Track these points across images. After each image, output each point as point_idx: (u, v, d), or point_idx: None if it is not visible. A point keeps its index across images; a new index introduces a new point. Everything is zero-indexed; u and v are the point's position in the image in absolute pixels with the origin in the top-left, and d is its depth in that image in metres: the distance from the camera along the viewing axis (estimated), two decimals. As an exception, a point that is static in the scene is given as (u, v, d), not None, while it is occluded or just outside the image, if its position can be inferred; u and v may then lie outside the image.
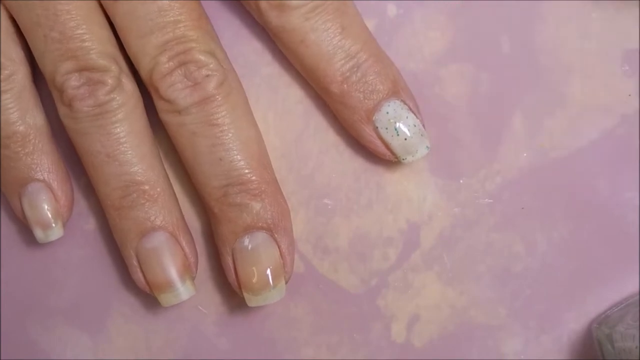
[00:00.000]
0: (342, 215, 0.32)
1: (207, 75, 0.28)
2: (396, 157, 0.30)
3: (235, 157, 0.29)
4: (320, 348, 0.32)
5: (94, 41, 0.29)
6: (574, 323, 0.31)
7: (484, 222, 0.31)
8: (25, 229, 0.32)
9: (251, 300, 0.29)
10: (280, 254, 0.29)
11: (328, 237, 0.31)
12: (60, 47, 0.28)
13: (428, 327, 0.32)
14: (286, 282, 0.30)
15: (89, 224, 0.32)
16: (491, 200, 0.31)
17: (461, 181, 0.31)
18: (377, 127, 0.29)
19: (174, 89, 0.28)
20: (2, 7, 0.29)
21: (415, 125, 0.29)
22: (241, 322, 0.32)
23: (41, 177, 0.30)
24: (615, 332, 0.29)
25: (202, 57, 0.28)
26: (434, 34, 0.31)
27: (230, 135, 0.29)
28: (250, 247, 0.29)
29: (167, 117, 0.29)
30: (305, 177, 0.31)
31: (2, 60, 0.29)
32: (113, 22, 0.29)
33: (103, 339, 0.32)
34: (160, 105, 0.29)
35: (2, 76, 0.29)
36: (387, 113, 0.29)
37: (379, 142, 0.30)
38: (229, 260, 0.29)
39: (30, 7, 0.29)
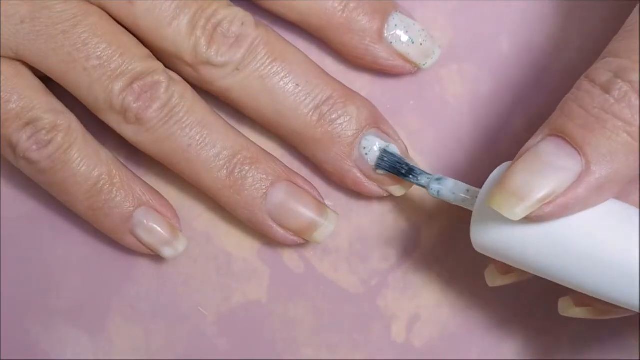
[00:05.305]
0: (342, 215, 0.32)
1: (243, 24, 0.29)
2: (416, 66, 0.30)
3: (308, 77, 0.29)
4: (320, 348, 0.32)
5: (130, 50, 0.29)
6: (574, 323, 0.31)
7: (484, 222, 0.31)
8: (24, 229, 0.32)
9: (398, 190, 0.30)
10: (392, 138, 0.30)
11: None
12: (104, 72, 0.28)
13: (428, 327, 0.32)
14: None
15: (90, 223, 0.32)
16: (491, 201, 0.31)
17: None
18: (391, 43, 0.30)
19: (223, 51, 0.29)
20: (24, 66, 0.29)
21: (423, 30, 0.30)
22: (241, 322, 0.32)
23: (140, 203, 0.30)
24: None
25: (228, 12, 0.29)
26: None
27: (292, 61, 0.29)
28: (368, 152, 0.30)
29: (229, 81, 0.29)
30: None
31: (53, 117, 0.29)
32: (135, 26, 0.29)
33: (103, 339, 0.32)
34: (217, 74, 0.29)
35: (62, 134, 0.29)
36: (396, 25, 0.30)
37: (396, 57, 0.30)
38: (356, 173, 0.30)
39: (59, 48, 0.28)
